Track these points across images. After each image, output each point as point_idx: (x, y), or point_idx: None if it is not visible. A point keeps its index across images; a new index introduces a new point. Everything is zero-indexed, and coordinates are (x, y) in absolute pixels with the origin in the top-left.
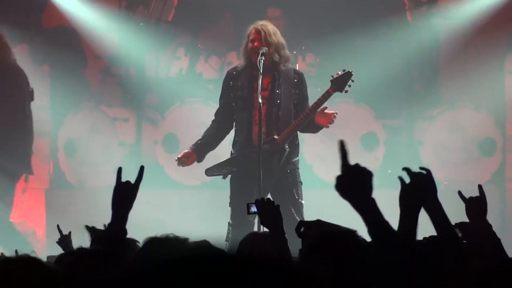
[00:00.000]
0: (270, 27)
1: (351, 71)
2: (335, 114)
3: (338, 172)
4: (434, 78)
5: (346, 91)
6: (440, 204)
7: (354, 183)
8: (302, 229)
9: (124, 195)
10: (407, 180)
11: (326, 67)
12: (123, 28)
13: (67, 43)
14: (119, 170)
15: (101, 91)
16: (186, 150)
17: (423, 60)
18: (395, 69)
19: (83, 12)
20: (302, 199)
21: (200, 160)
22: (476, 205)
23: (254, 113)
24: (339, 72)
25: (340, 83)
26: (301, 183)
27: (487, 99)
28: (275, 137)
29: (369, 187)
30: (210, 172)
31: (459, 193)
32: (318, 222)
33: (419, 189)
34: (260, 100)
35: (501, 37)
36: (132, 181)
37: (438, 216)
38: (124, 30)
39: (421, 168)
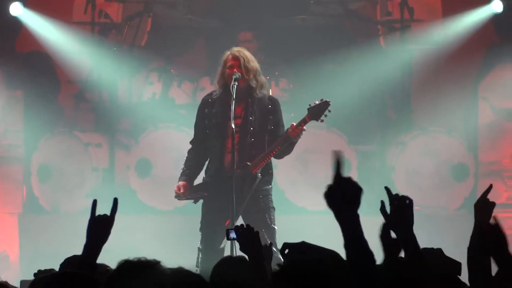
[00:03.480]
0: (247, 53)
1: (329, 101)
2: (303, 129)
3: (308, 196)
4: (407, 104)
5: (322, 120)
6: (414, 235)
7: (343, 195)
8: (286, 251)
9: (99, 228)
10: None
11: (300, 92)
12: (96, 53)
13: (40, 68)
14: (94, 203)
15: (74, 116)
16: (182, 183)
17: (395, 86)
18: (367, 94)
19: (56, 37)
20: (274, 224)
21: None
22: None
23: (227, 141)
24: (317, 102)
25: (317, 111)
26: (274, 208)
27: (459, 124)
28: (248, 163)
29: (357, 202)
30: (180, 196)
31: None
32: (303, 244)
33: (401, 215)
34: (233, 126)
35: (474, 62)
36: (106, 210)
37: (410, 247)
38: (97, 55)
39: (403, 196)
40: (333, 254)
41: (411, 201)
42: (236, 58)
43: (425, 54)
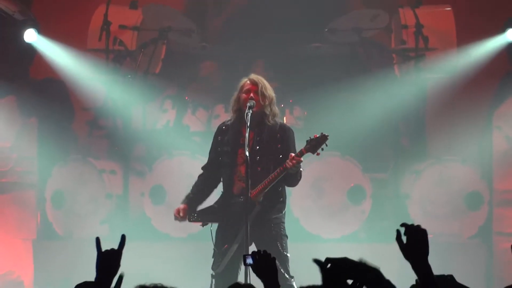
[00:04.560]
0: (265, 81)
1: (327, 135)
2: (300, 160)
3: (323, 224)
4: (421, 132)
5: (318, 154)
6: (429, 266)
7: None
8: (328, 266)
9: (107, 263)
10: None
11: (314, 120)
12: (111, 80)
13: (54, 95)
14: (97, 241)
15: (88, 143)
16: (183, 206)
17: (410, 114)
18: (382, 122)
19: (70, 64)
20: (287, 252)
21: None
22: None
23: (237, 169)
24: (317, 135)
25: (314, 144)
26: (286, 236)
27: (473, 153)
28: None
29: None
30: (192, 217)
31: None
32: (345, 260)
33: (415, 244)
34: (247, 153)
35: (488, 92)
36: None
37: (424, 276)
38: (111, 82)
39: (418, 226)
40: (375, 271)
41: (425, 231)
42: (254, 84)
43: (439, 83)
